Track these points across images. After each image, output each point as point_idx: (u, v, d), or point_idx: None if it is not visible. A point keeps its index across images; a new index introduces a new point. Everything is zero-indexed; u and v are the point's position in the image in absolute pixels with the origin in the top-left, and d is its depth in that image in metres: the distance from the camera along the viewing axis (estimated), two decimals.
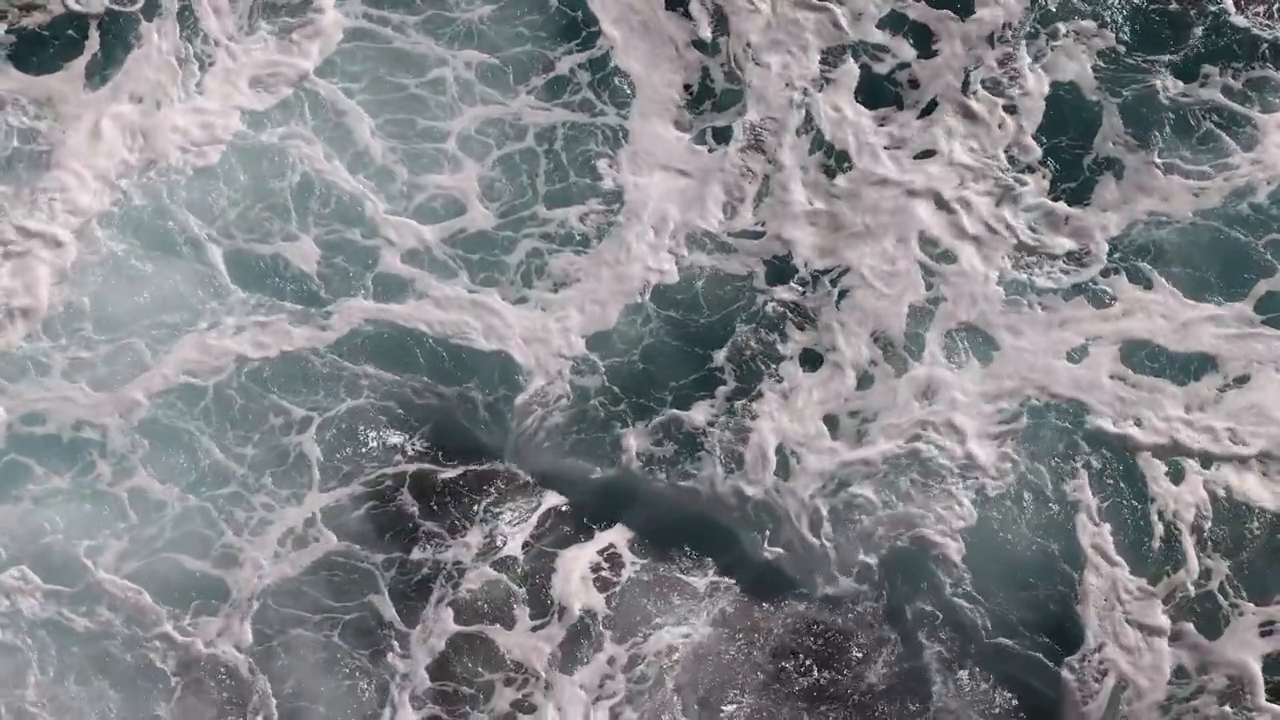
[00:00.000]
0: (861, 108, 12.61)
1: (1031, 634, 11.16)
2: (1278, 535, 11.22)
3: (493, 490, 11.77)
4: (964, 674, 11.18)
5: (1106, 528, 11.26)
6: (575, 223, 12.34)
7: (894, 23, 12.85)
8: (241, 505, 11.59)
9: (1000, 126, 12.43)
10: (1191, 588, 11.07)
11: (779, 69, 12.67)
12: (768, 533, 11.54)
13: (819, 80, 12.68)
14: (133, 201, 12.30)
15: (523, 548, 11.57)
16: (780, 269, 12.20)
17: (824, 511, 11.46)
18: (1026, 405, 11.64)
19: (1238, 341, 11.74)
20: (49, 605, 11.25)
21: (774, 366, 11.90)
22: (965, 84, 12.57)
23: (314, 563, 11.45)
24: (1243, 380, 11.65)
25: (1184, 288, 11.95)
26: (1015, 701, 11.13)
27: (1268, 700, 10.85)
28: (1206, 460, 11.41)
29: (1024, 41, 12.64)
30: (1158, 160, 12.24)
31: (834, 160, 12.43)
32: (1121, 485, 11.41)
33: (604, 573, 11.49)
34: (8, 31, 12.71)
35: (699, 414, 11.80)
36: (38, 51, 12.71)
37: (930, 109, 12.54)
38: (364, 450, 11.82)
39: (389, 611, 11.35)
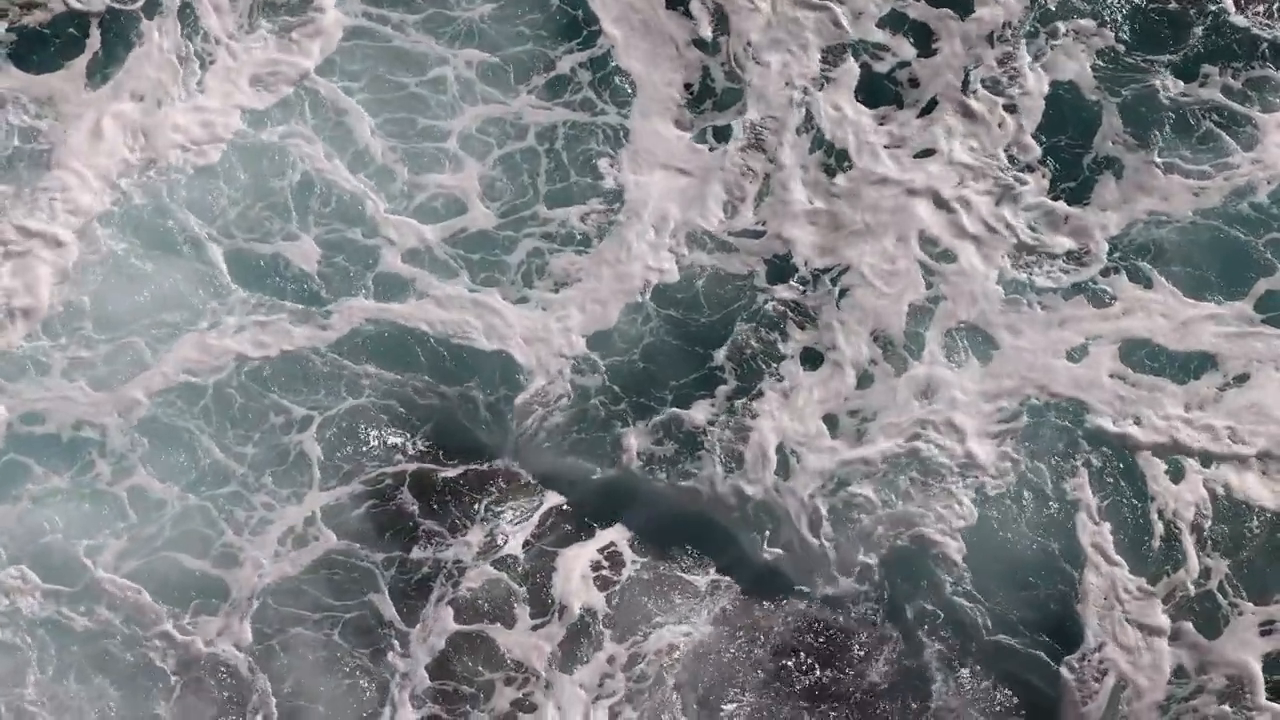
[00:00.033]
0: (862, 107, 12.59)
1: (1031, 633, 11.14)
2: (1277, 534, 11.20)
3: (493, 489, 11.75)
4: (964, 673, 11.16)
5: (1106, 527, 11.24)
6: (576, 222, 12.32)
7: (894, 21, 12.82)
8: (241, 504, 11.57)
9: (1000, 126, 12.41)
10: (1191, 587, 11.06)
11: (779, 68, 12.66)
12: (768, 532, 11.52)
13: (819, 79, 12.66)
14: (133, 200, 12.27)
15: (523, 546, 11.54)
16: (780, 268, 12.18)
17: (824, 511, 11.44)
18: (1026, 404, 11.61)
19: (1238, 340, 11.71)
20: (48, 604, 11.22)
21: (774, 365, 11.89)
22: (965, 83, 12.55)
23: (314, 561, 11.42)
24: (1243, 379, 11.62)
25: (1184, 287, 11.92)
26: (1015, 700, 11.11)
27: (1268, 699, 10.82)
28: (1206, 459, 11.39)
29: (1024, 40, 12.62)
30: (1157, 160, 12.22)
31: (834, 159, 12.42)
32: (1121, 484, 11.39)
33: (604, 571, 11.47)
34: (8, 29, 12.67)
35: (699, 413, 11.78)
36: (39, 50, 12.68)
37: (930, 108, 12.52)
38: (364, 449, 11.79)
39: (389, 610, 11.32)
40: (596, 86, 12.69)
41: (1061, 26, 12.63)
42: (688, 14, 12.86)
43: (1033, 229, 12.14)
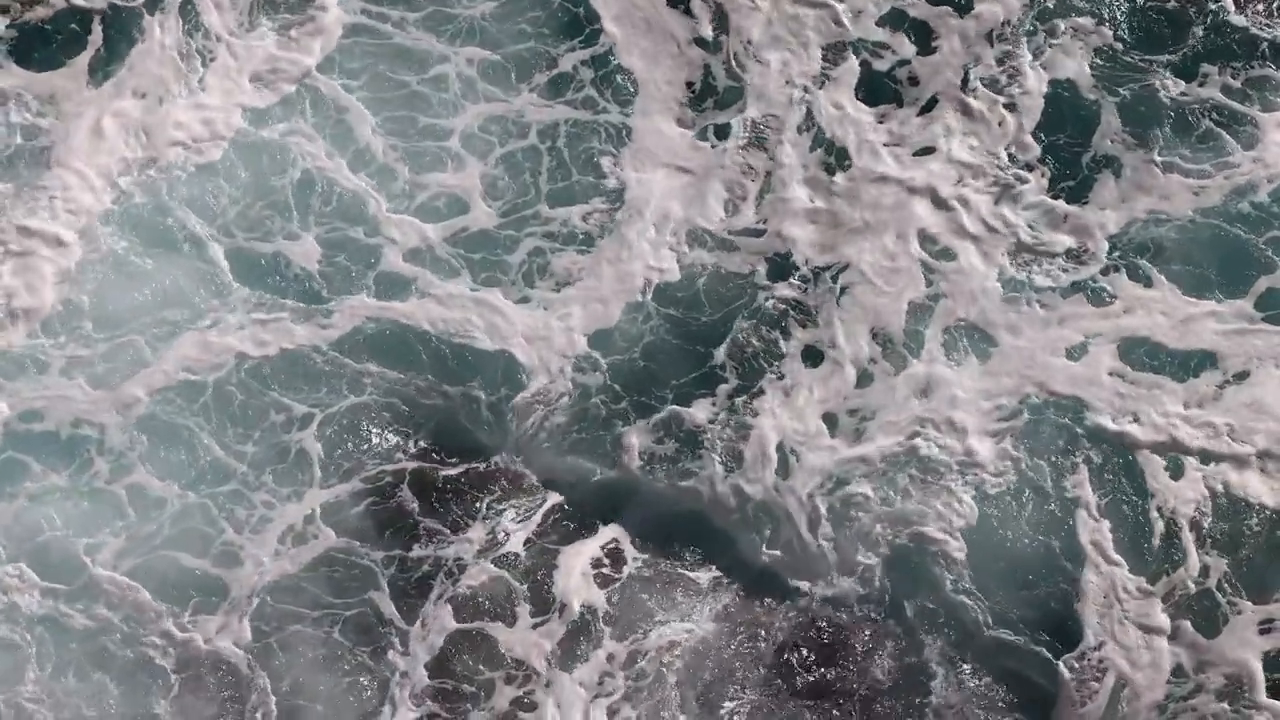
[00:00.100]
0: (862, 105, 12.53)
1: (1031, 631, 11.08)
2: (1277, 532, 11.14)
3: (494, 488, 11.68)
4: (964, 671, 11.11)
5: (1106, 525, 11.19)
6: (578, 221, 12.27)
7: (894, 20, 12.75)
8: (241, 502, 11.51)
9: (1000, 124, 12.36)
10: (1191, 585, 11.01)
11: (779, 66, 12.61)
12: (768, 531, 11.46)
13: (819, 77, 12.61)
14: (134, 199, 12.20)
15: (524, 544, 11.49)
16: (781, 266, 12.12)
17: (824, 510, 11.39)
18: (1026, 402, 11.56)
19: (1238, 338, 11.65)
20: (47, 602, 11.17)
21: (775, 364, 11.84)
22: (965, 81, 12.49)
23: (314, 559, 11.37)
24: (1242, 377, 11.56)
25: (1184, 285, 11.86)
26: (1015, 698, 11.06)
27: (1268, 698, 10.77)
28: (1206, 457, 11.34)
29: (1023, 39, 12.57)
30: (1157, 159, 12.16)
31: (834, 157, 12.36)
32: (1121, 482, 11.34)
33: (605, 569, 11.42)
34: (9, 26, 12.60)
35: (700, 411, 11.72)
36: (40, 47, 12.62)
37: (930, 106, 12.46)
38: (365, 447, 11.74)
39: (389, 608, 11.26)
40: (598, 84, 12.63)
41: (1060, 25, 12.57)
42: (688, 12, 12.81)
43: (1032, 227, 12.07)
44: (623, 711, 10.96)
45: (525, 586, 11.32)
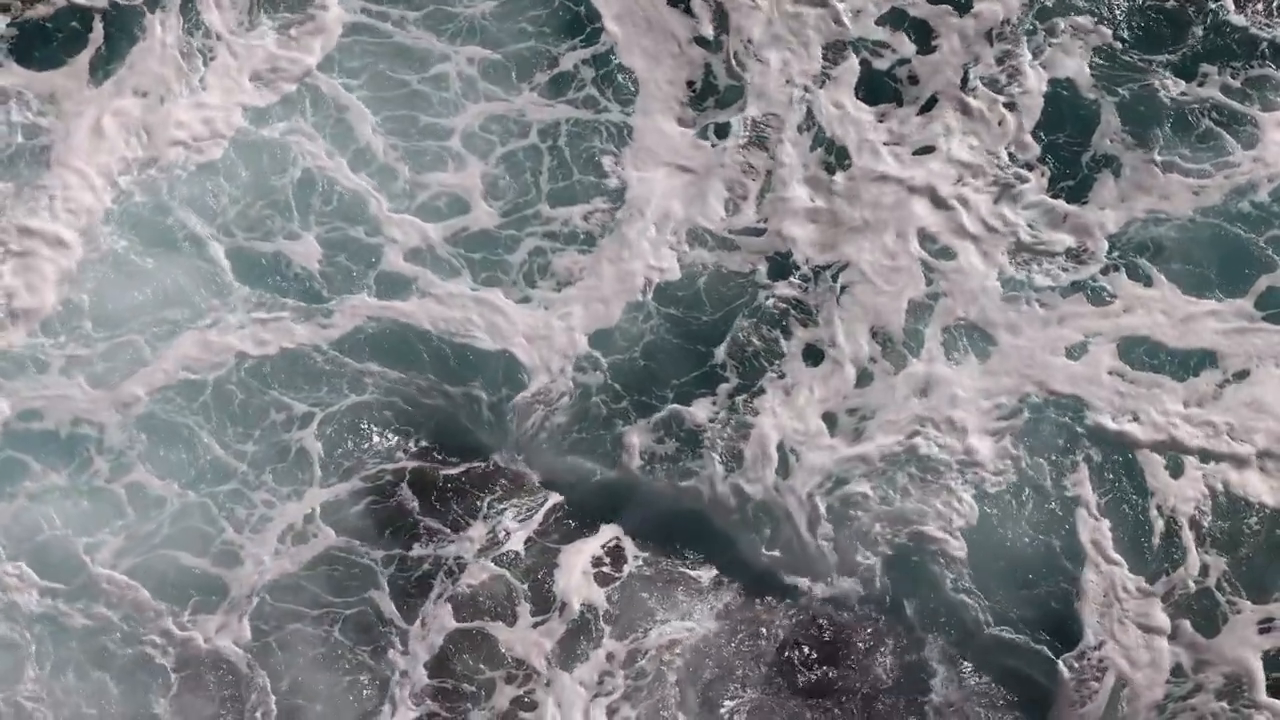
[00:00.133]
0: (862, 104, 12.48)
1: (1031, 630, 11.08)
2: (1276, 531, 11.11)
3: (495, 487, 11.65)
4: (964, 670, 11.10)
5: (1106, 524, 11.18)
6: (579, 221, 12.23)
7: (894, 19, 12.69)
8: (242, 502, 11.50)
9: (1000, 123, 12.31)
10: (1191, 585, 11.01)
11: (780, 65, 12.56)
12: (768, 530, 11.42)
13: (820, 76, 12.55)
14: (134, 198, 12.16)
15: (525, 543, 11.46)
16: (781, 265, 12.09)
17: (823, 509, 11.36)
18: (1026, 402, 11.54)
19: (1238, 337, 11.62)
20: (46, 601, 11.17)
21: (775, 363, 11.80)
22: (964, 80, 12.44)
23: (314, 558, 11.37)
24: (1242, 376, 11.54)
25: (1184, 284, 11.83)
26: (1015, 697, 11.06)
27: (1268, 697, 10.76)
28: (1206, 456, 11.34)
29: (1023, 38, 12.51)
30: (1157, 158, 12.12)
31: (834, 157, 12.32)
32: (1121, 481, 11.33)
33: (606, 568, 11.40)
34: (10, 24, 12.54)
35: (700, 411, 11.68)
36: (41, 46, 12.56)
37: (930, 105, 12.42)
38: (365, 446, 11.72)
39: (389, 607, 11.26)
40: (599, 84, 12.57)
41: (1060, 24, 12.51)
42: (689, 11, 12.75)
43: (1032, 227, 12.03)
44: (623, 710, 10.93)
45: (526, 585, 11.30)
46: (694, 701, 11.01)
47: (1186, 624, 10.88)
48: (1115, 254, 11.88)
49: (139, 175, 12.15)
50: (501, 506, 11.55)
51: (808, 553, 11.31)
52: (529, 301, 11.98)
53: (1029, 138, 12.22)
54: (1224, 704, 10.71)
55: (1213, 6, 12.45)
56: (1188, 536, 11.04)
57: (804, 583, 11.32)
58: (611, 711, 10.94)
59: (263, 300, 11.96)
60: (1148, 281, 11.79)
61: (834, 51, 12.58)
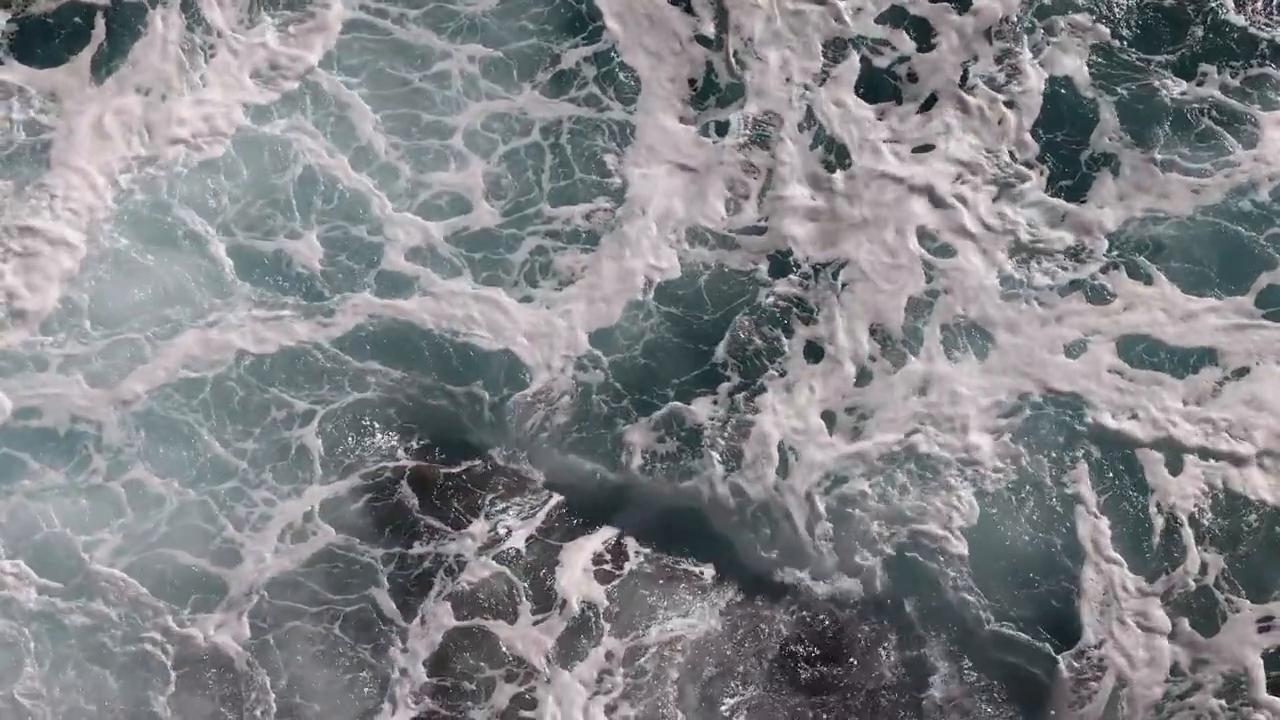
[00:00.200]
0: (862, 102, 12.41)
1: (1031, 628, 11.05)
2: (1276, 529, 11.06)
3: (495, 485, 11.60)
4: (964, 667, 11.07)
5: (1105, 522, 11.15)
6: (580, 220, 12.15)
7: (894, 17, 12.62)
8: (242, 499, 11.46)
9: (999, 122, 12.23)
10: (1190, 583, 11.00)
11: (780, 64, 12.48)
12: (768, 528, 11.35)
13: (820, 75, 12.48)
14: (135, 196, 12.06)
15: (526, 541, 11.40)
16: (781, 263, 12.03)
17: (823, 507, 11.32)
18: (1025, 400, 11.50)
19: (1237, 335, 11.57)
20: (45, 599, 11.14)
21: (776, 361, 11.74)
22: (964, 79, 12.36)
23: (314, 556, 11.34)
24: (1242, 373, 11.52)
25: (1184, 282, 11.78)
26: (1015, 695, 11.04)
27: (1268, 695, 10.73)
28: (1205, 454, 11.32)
29: (1022, 36, 12.43)
30: (1156, 157, 12.07)
31: (834, 155, 12.24)
32: (1121, 479, 11.31)
33: (606, 566, 11.35)
34: (12, 21, 12.43)
35: (701, 409, 11.62)
36: (43, 43, 12.45)
37: (930, 104, 12.35)
38: (366, 444, 11.66)
39: (389, 605, 11.23)
40: (601, 82, 12.48)
41: (1059, 22, 12.44)
42: (690, 10, 12.66)
43: (1031, 225, 11.98)
44: (623, 708, 10.90)
45: (526, 583, 11.26)
46: (694, 699, 10.96)
47: (1186, 622, 10.86)
48: (1115, 252, 11.82)
49: (140, 173, 12.06)
50: (503, 504, 11.50)
51: (808, 551, 11.26)
52: (530, 300, 11.92)
53: (1028, 136, 12.15)
54: (1223, 702, 10.70)
55: (1212, 6, 12.38)
56: (1187, 534, 11.01)
57: (804, 580, 11.26)
58: (611, 709, 10.90)
59: (263, 298, 11.87)
60: (1147, 279, 11.73)
61: (834, 49, 12.51)
